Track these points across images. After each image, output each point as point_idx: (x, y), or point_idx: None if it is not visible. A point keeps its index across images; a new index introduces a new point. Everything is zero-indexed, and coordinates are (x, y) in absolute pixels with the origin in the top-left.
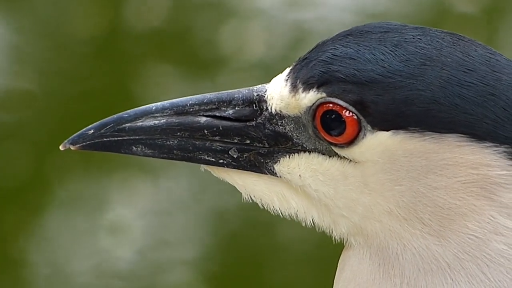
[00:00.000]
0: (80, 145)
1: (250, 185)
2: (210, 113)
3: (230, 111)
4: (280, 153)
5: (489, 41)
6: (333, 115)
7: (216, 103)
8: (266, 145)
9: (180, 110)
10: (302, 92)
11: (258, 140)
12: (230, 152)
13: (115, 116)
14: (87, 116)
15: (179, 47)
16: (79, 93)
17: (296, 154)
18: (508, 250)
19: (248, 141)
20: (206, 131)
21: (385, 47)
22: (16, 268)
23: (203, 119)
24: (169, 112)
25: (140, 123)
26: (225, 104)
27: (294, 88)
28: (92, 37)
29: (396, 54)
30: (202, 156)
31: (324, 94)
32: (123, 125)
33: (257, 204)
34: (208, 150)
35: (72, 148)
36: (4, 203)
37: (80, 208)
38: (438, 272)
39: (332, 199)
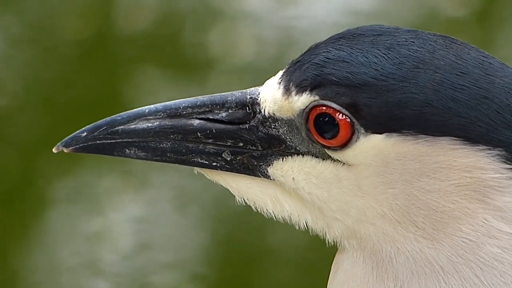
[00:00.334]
0: (73, 147)
1: (243, 188)
2: (203, 116)
3: (223, 114)
4: (273, 156)
5: (479, 45)
6: (326, 118)
7: (209, 106)
8: (260, 148)
9: (173, 113)
10: (295, 95)
11: (252, 143)
12: (223, 155)
13: (108, 118)
14: (76, 120)
15: (168, 50)
16: (67, 96)
17: (290, 157)
18: (501, 253)
19: (241, 144)
20: (199, 134)
21: (378, 50)
22: (4, 270)
23: (196, 122)
24: (162, 114)
25: (133, 126)
26: (218, 107)
27: (287, 91)
28: (80, 40)
29: (389, 57)
30: (196, 159)
31: (317, 97)
32: (116, 128)
33: (247, 207)
34: (201, 152)
35: (65, 150)
36: None
37: (69, 210)
38: (432, 275)
39: (326, 202)
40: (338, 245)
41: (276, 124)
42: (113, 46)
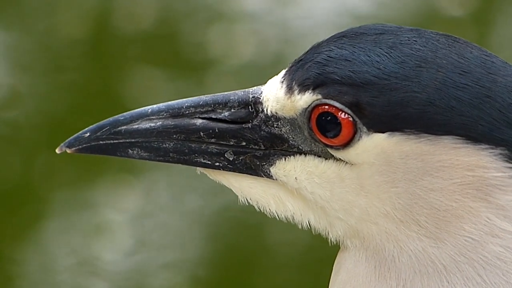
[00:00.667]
0: (76, 148)
1: (246, 187)
2: (206, 115)
3: (226, 113)
4: (276, 156)
5: (478, 44)
6: (329, 117)
7: (212, 105)
8: (262, 147)
9: (176, 113)
10: (298, 94)
11: (254, 142)
12: (226, 155)
13: (111, 118)
14: (75, 119)
15: (167, 50)
16: (66, 96)
17: (292, 157)
18: (504, 252)
19: (244, 143)
20: (202, 134)
21: (381, 49)
22: (3, 269)
23: (199, 122)
24: (165, 114)
25: (136, 126)
26: (220, 106)
27: (289, 90)
28: (80, 40)
29: (391, 56)
30: (198, 159)
31: (319, 96)
32: (119, 128)
33: (246, 206)
34: (204, 152)
35: (68, 151)
36: None
37: (68, 210)
38: (434, 274)
39: (328, 202)
40: (340, 244)
41: (279, 123)
42: (113, 46)
